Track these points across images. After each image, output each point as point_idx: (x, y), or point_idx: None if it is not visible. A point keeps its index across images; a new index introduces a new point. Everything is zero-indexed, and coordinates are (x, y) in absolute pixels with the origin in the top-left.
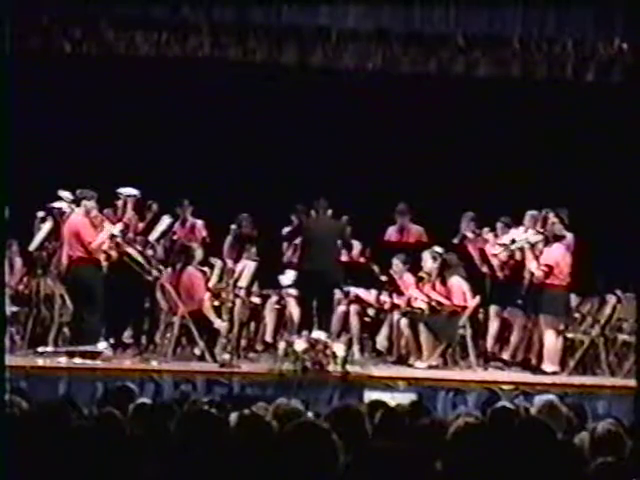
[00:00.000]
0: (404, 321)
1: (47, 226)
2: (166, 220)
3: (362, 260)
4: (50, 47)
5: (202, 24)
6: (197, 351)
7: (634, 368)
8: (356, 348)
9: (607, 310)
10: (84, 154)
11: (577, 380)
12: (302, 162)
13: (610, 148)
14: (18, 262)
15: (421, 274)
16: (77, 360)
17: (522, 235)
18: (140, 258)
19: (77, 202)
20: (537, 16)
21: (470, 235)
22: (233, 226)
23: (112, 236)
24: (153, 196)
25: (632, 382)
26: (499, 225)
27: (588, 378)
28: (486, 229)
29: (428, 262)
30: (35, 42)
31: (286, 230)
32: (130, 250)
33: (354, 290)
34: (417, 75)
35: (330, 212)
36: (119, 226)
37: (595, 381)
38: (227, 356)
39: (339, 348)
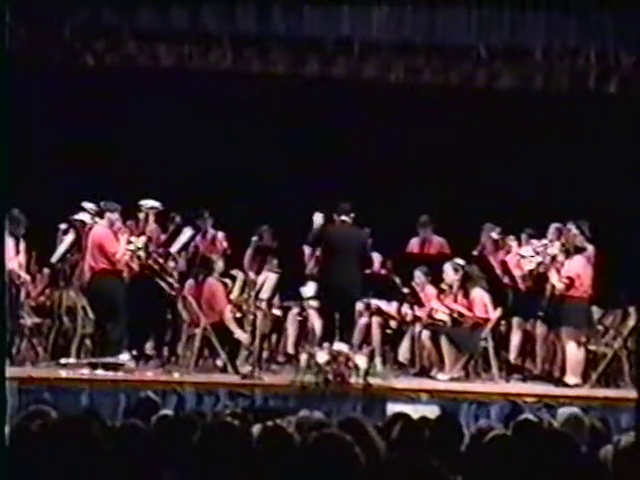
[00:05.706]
0: (426, 333)
1: (69, 238)
2: (187, 232)
3: (384, 272)
4: (72, 59)
5: (224, 36)
6: (219, 363)
7: None
8: (378, 360)
9: (630, 322)
10: (106, 166)
11: (600, 393)
12: (323, 174)
13: (632, 160)
14: (41, 274)
15: (443, 286)
16: (99, 372)
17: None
18: (168, 279)
19: (101, 214)
20: (559, 27)
21: (490, 247)
22: (254, 238)
23: (136, 249)
24: (175, 208)
25: None
26: (523, 237)
27: (611, 391)
28: (509, 238)
29: (449, 274)
30: (57, 54)
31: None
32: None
33: (376, 302)
34: (439, 86)
35: (352, 221)
36: (143, 239)
37: (618, 394)
38: (249, 368)
39: (361, 360)
